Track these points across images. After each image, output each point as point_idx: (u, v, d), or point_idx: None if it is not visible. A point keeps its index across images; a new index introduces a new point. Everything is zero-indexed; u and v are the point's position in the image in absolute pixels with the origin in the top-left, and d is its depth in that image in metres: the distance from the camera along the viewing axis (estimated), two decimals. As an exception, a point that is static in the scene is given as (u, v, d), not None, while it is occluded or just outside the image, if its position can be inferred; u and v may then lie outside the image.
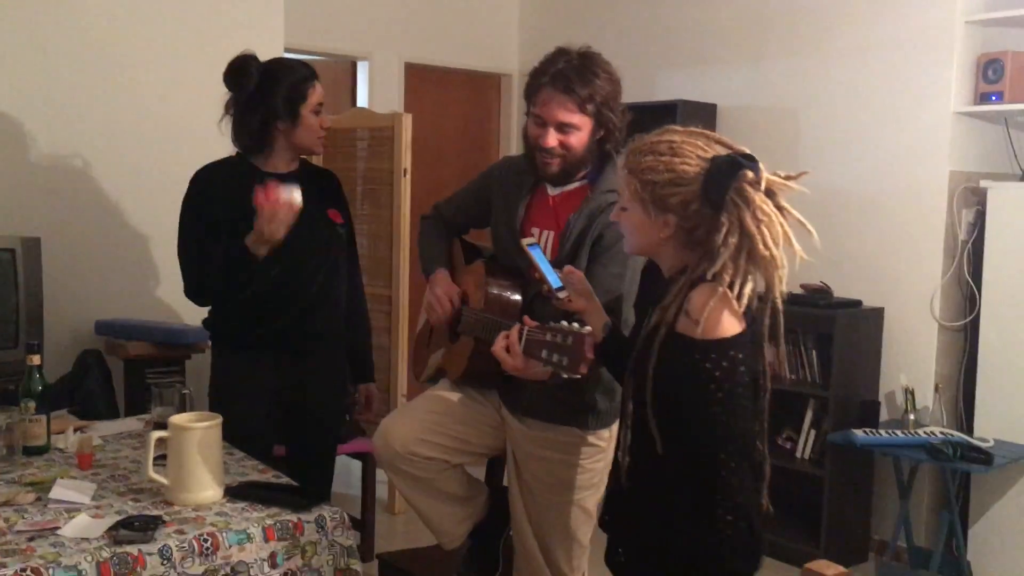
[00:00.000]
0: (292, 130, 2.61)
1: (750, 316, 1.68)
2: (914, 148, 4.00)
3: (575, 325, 1.84)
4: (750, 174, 1.62)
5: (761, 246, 1.61)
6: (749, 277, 1.63)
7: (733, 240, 1.62)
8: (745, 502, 1.65)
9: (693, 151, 1.69)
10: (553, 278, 2.03)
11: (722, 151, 1.69)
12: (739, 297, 1.62)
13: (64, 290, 3.47)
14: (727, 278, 1.62)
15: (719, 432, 1.62)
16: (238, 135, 2.63)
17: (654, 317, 1.71)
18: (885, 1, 4.07)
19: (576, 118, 2.22)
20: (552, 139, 2.24)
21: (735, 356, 1.63)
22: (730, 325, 1.64)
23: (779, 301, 1.66)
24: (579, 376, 1.85)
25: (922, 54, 3.96)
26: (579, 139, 2.24)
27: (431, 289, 2.48)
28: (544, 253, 2.27)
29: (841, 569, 1.25)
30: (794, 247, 1.65)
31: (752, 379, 1.66)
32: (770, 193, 1.66)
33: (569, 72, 2.20)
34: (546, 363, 1.87)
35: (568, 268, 2.06)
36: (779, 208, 1.66)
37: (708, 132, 1.73)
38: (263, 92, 2.56)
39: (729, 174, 1.63)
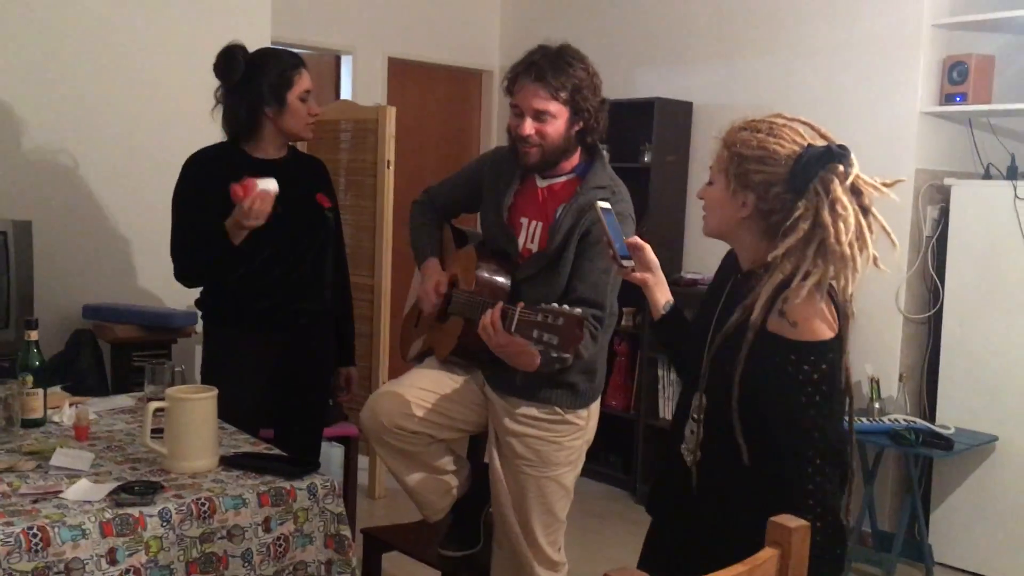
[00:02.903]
0: (280, 116, 2.69)
1: (842, 319, 1.63)
2: (882, 146, 4.12)
3: (565, 307, 1.90)
4: (840, 167, 1.58)
5: (832, 239, 1.55)
6: (815, 270, 1.56)
7: (804, 226, 1.56)
8: (834, 505, 1.60)
9: (791, 135, 1.64)
10: (620, 245, 1.92)
11: (821, 143, 1.63)
12: (798, 288, 1.55)
13: (54, 273, 3.51)
14: (788, 266, 1.56)
15: (815, 437, 1.57)
16: (227, 122, 2.72)
17: (736, 314, 1.64)
18: (856, 4, 4.21)
19: (551, 106, 2.31)
20: (528, 127, 2.33)
21: (833, 359, 1.59)
22: (826, 328, 1.60)
23: (850, 306, 1.62)
24: (567, 356, 1.90)
25: (891, 55, 4.09)
26: (555, 128, 2.33)
27: (422, 280, 2.56)
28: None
29: (803, 522, 1.34)
30: (869, 250, 1.59)
31: (844, 384, 1.64)
32: (856, 192, 1.60)
33: (543, 63, 2.31)
34: (536, 343, 1.93)
35: (635, 238, 1.93)
36: (863, 209, 1.60)
37: (815, 124, 1.69)
38: (250, 79, 2.65)
39: (819, 162, 1.58)
